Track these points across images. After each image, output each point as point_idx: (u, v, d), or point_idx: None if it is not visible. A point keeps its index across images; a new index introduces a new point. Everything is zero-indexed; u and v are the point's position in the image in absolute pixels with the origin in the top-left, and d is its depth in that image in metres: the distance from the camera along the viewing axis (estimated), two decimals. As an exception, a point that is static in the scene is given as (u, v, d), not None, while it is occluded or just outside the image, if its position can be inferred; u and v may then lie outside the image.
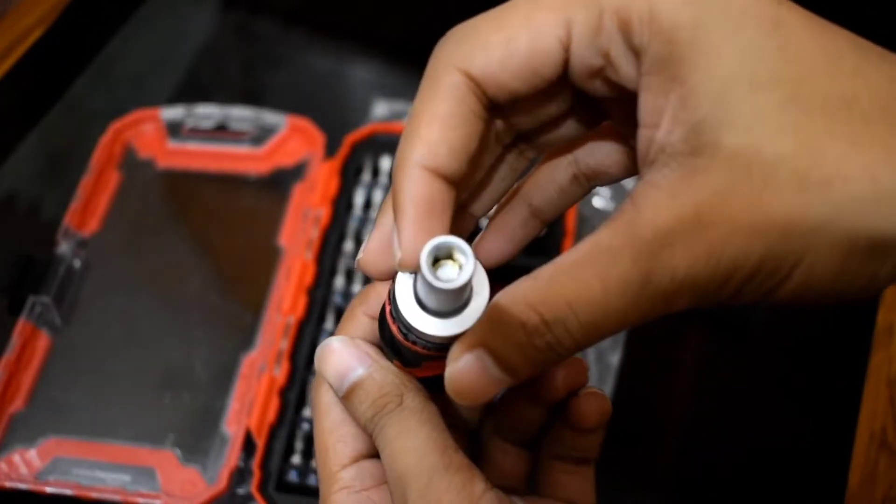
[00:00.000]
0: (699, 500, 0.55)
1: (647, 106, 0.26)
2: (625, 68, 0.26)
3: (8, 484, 0.50)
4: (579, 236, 0.58)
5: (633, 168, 0.31)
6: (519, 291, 0.26)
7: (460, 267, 0.27)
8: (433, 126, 0.27)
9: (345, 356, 0.31)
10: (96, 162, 0.62)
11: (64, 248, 0.59)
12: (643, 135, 0.26)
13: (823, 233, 0.23)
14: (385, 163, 0.61)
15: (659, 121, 0.25)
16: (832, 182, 0.23)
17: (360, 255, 0.30)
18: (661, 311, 0.25)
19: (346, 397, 0.31)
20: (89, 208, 0.61)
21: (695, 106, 0.24)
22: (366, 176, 0.61)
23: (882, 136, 0.23)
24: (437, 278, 0.26)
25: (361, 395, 0.30)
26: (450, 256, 0.27)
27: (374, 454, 0.32)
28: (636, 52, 0.26)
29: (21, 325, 0.55)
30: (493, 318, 0.27)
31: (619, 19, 0.26)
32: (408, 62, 0.74)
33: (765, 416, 0.56)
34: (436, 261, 0.27)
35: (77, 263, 0.59)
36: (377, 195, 0.60)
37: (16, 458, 0.52)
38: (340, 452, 0.32)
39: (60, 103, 0.70)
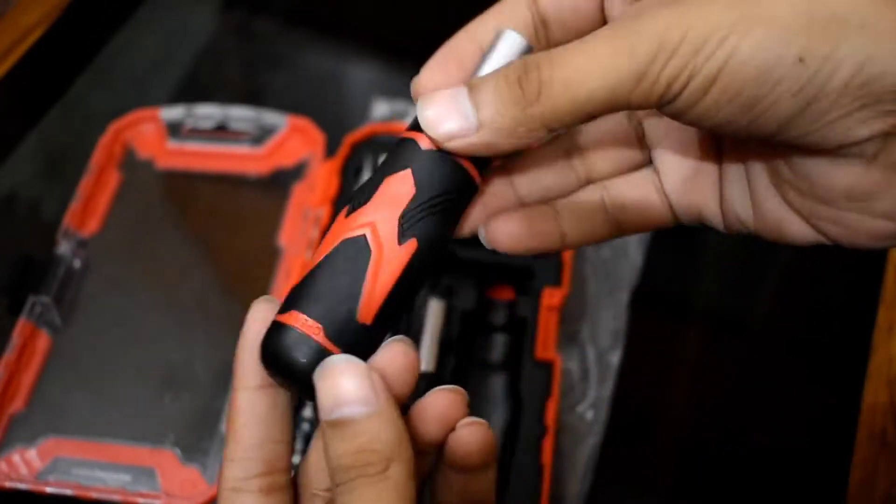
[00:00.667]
0: (699, 499, 0.55)
1: None
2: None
3: (8, 484, 0.50)
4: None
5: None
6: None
7: None
8: (490, 18, 0.31)
9: (352, 384, 0.27)
10: (96, 162, 0.62)
11: (64, 248, 0.59)
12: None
13: (757, 14, 0.26)
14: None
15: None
16: None
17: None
18: (619, 70, 0.27)
19: (330, 426, 0.27)
20: (89, 208, 0.61)
21: None
22: (366, 176, 0.61)
23: None
24: None
25: (348, 435, 0.27)
26: None
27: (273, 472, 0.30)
28: None
29: (21, 325, 0.55)
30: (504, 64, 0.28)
31: None
32: (408, 62, 0.74)
33: (765, 415, 0.56)
34: None
35: (77, 263, 0.59)
36: (377, 195, 0.60)
37: (16, 458, 0.52)
38: (244, 468, 0.30)
39: (60, 103, 0.70)
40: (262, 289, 0.57)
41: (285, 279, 0.57)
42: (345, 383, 0.27)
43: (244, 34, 0.78)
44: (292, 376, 0.28)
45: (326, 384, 0.27)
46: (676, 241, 0.63)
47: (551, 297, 0.54)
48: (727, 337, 0.62)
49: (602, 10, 0.31)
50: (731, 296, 0.63)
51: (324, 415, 0.27)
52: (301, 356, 0.28)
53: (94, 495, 0.50)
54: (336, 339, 0.28)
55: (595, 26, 0.31)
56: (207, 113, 0.64)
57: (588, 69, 0.27)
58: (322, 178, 0.60)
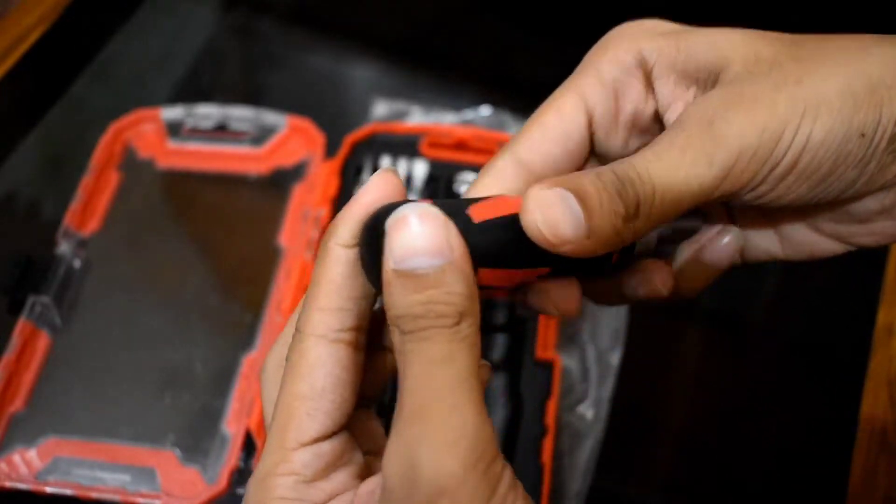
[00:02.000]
0: (699, 499, 0.55)
1: (664, 91, 0.33)
2: (631, 94, 0.34)
3: (8, 484, 0.50)
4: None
5: None
6: (617, 162, 0.29)
7: None
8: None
9: (428, 233, 0.26)
10: (96, 162, 0.62)
11: (64, 248, 0.59)
12: (672, 110, 0.33)
13: (829, 81, 0.29)
14: (385, 163, 0.61)
15: (681, 92, 0.33)
16: (817, 54, 0.30)
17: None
18: (702, 180, 0.29)
19: (399, 276, 0.26)
20: (89, 208, 0.61)
21: (699, 60, 0.32)
22: (366, 176, 0.61)
23: (839, 37, 0.31)
24: None
25: (420, 284, 0.26)
26: None
27: (337, 432, 0.29)
28: (632, 69, 0.33)
29: (21, 325, 0.55)
30: (594, 171, 0.29)
31: (608, 59, 0.34)
32: (408, 62, 0.74)
33: (764, 415, 0.56)
34: None
35: (77, 263, 0.59)
36: (377, 195, 0.60)
37: (16, 458, 0.52)
38: (305, 428, 0.29)
39: (60, 103, 0.70)
40: (262, 289, 0.57)
41: (285, 279, 0.57)
42: (420, 231, 0.26)
43: (244, 34, 0.78)
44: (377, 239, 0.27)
45: (399, 231, 0.26)
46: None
47: (551, 297, 0.54)
48: (727, 337, 0.62)
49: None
50: (731, 296, 0.63)
51: (393, 263, 0.26)
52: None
53: (94, 495, 0.50)
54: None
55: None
56: (207, 113, 0.64)
57: (676, 183, 0.29)
58: (322, 179, 0.60)
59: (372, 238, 0.28)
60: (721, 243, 0.36)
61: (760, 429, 0.56)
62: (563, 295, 0.33)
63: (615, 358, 0.57)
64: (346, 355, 0.29)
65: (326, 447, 0.29)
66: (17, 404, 0.53)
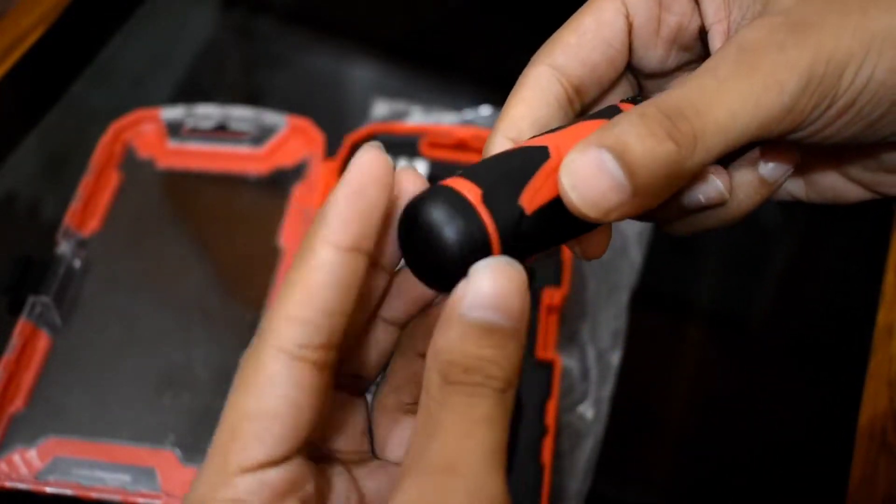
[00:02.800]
0: (699, 499, 0.55)
1: (711, 7, 0.30)
2: (676, 5, 0.31)
3: (8, 484, 0.50)
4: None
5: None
6: (664, 94, 0.27)
7: None
8: (519, 106, 0.30)
9: (513, 294, 0.25)
10: (96, 162, 0.62)
11: (64, 248, 0.59)
12: (716, 32, 0.30)
13: (886, 35, 0.27)
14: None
15: (730, 8, 0.30)
16: (886, 5, 0.27)
17: None
18: (773, 100, 0.27)
19: (470, 324, 0.25)
20: (89, 208, 0.61)
21: None
22: (366, 176, 0.61)
23: None
24: None
25: (486, 340, 0.25)
26: None
27: (290, 458, 0.26)
28: None
29: (21, 325, 0.55)
30: (609, 123, 0.26)
31: None
32: (408, 62, 0.74)
33: (765, 415, 0.56)
34: None
35: (77, 263, 0.59)
36: (377, 195, 0.60)
37: (16, 458, 0.52)
38: (251, 451, 0.25)
39: (60, 103, 0.70)
40: (262, 289, 0.57)
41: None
42: (507, 286, 0.25)
43: (244, 34, 0.78)
44: (441, 251, 0.25)
45: (487, 279, 0.25)
46: (676, 241, 0.63)
47: (551, 297, 0.54)
48: (727, 337, 0.62)
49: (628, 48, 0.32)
50: (731, 296, 0.63)
51: (466, 308, 0.25)
52: (457, 231, 0.25)
53: (94, 495, 0.50)
54: (492, 208, 0.26)
55: (622, 67, 0.32)
56: (207, 113, 0.64)
57: (740, 110, 0.26)
58: (322, 178, 0.60)
59: (418, 233, 0.26)
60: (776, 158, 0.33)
61: (760, 429, 0.56)
62: (595, 241, 0.32)
63: (615, 358, 0.57)
64: (308, 376, 0.25)
65: (274, 475, 0.25)
66: (17, 404, 0.53)
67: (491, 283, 0.25)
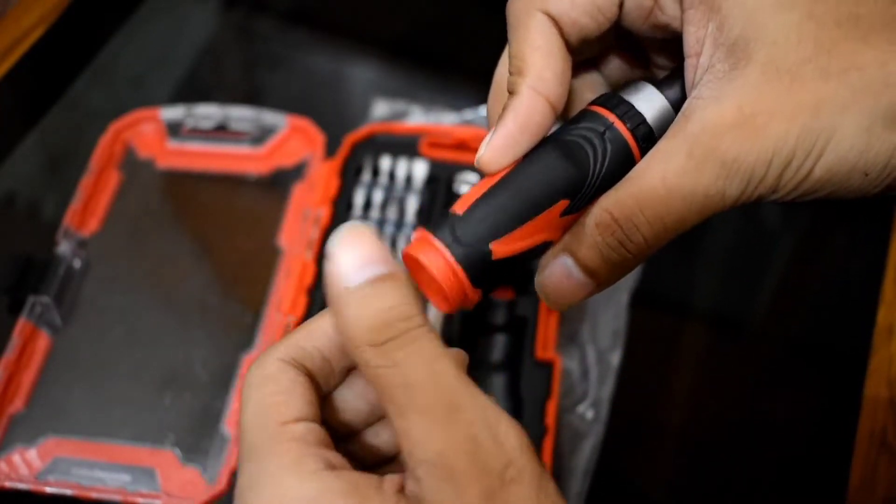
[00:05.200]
0: (699, 499, 0.55)
1: (690, 38, 0.31)
2: (669, 8, 0.31)
3: (8, 484, 0.50)
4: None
5: None
6: (596, 202, 0.30)
7: None
8: (535, 56, 0.31)
9: (373, 244, 0.27)
10: (96, 162, 0.62)
11: (64, 248, 0.59)
12: (689, 65, 0.31)
13: (847, 112, 0.28)
14: (385, 162, 0.61)
15: (701, 49, 0.30)
16: (849, 71, 0.28)
17: (481, 154, 0.31)
18: (716, 204, 0.29)
19: (357, 290, 0.27)
20: (89, 208, 0.61)
21: (729, 29, 0.29)
22: (366, 176, 0.61)
23: (887, 38, 0.29)
24: None
25: (379, 292, 0.26)
26: None
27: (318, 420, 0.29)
28: None
29: (21, 325, 0.55)
30: (574, 227, 0.30)
31: None
32: (408, 62, 0.74)
33: (764, 416, 0.56)
34: None
35: (77, 263, 0.59)
36: (377, 195, 0.60)
37: (16, 458, 0.52)
38: (288, 407, 0.28)
39: (60, 103, 0.70)
40: (262, 289, 0.57)
41: (285, 279, 0.57)
42: (366, 243, 0.27)
43: (244, 34, 0.78)
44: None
45: (347, 247, 0.27)
46: (676, 241, 0.63)
47: (551, 297, 0.54)
48: (727, 337, 0.62)
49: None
50: (731, 296, 0.63)
51: (344, 280, 0.27)
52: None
53: (94, 495, 0.50)
54: (465, 262, 0.29)
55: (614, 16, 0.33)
56: (207, 113, 0.64)
57: (687, 215, 0.29)
58: (322, 178, 0.60)
59: None
60: None
61: (760, 429, 0.56)
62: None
63: (615, 358, 0.57)
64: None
65: (316, 426, 0.29)
66: (17, 404, 0.53)
67: (349, 249, 0.27)
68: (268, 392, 0.29)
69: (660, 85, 0.33)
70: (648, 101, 0.32)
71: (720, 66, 0.30)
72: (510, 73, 0.32)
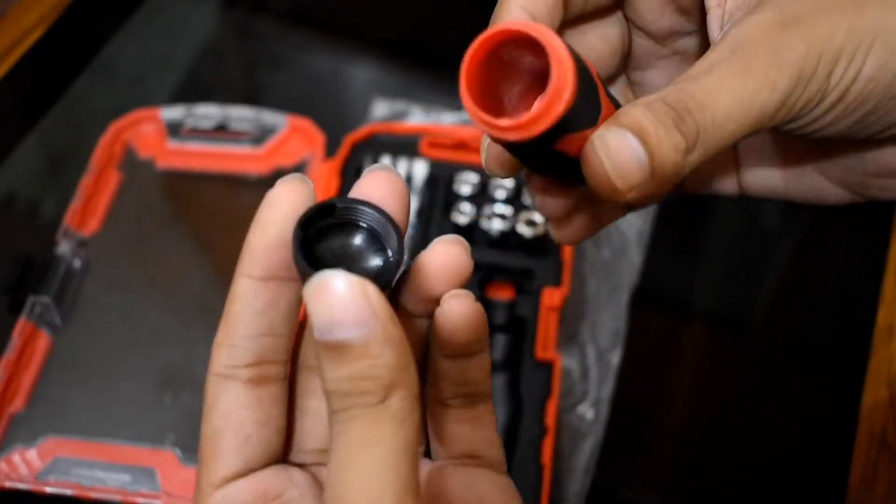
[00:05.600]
0: (699, 499, 0.55)
1: None
2: None
3: (8, 484, 0.50)
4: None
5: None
6: (644, 98, 0.28)
7: None
8: None
9: (347, 302, 0.23)
10: (96, 162, 0.62)
11: (64, 248, 0.59)
12: (713, 16, 0.30)
13: (890, 10, 0.28)
14: (385, 163, 0.61)
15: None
16: (883, 4, 0.28)
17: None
18: (764, 99, 0.27)
19: (325, 348, 0.24)
20: (89, 208, 0.61)
21: None
22: (366, 176, 0.61)
23: None
24: None
25: (344, 359, 0.24)
26: None
27: (253, 470, 0.28)
28: None
29: (21, 325, 0.55)
30: (629, 108, 0.27)
31: None
32: (408, 62, 0.74)
33: (765, 416, 0.56)
34: None
35: (77, 263, 0.59)
36: (377, 195, 0.60)
37: (16, 458, 0.52)
38: (212, 468, 0.27)
39: (60, 103, 0.70)
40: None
41: (285, 279, 0.57)
42: (339, 300, 0.23)
43: (244, 34, 0.78)
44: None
45: (318, 302, 0.24)
46: (676, 241, 0.63)
47: (551, 297, 0.54)
48: (727, 337, 0.62)
49: None
50: (731, 296, 0.63)
51: (318, 335, 0.24)
52: (303, 269, 0.25)
53: (94, 495, 0.50)
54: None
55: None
56: (207, 113, 0.64)
57: (736, 110, 0.27)
58: (322, 178, 0.60)
59: (301, 252, 0.26)
60: None
61: (760, 429, 0.56)
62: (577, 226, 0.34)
63: (615, 358, 0.57)
64: (243, 393, 0.28)
65: (242, 486, 0.27)
66: (17, 404, 0.53)
67: (319, 303, 0.24)
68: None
69: None
70: None
71: (747, 4, 0.29)
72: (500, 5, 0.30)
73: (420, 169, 0.60)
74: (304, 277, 0.25)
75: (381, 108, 0.68)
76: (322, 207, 0.27)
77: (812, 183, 0.34)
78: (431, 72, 0.73)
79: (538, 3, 0.30)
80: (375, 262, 0.27)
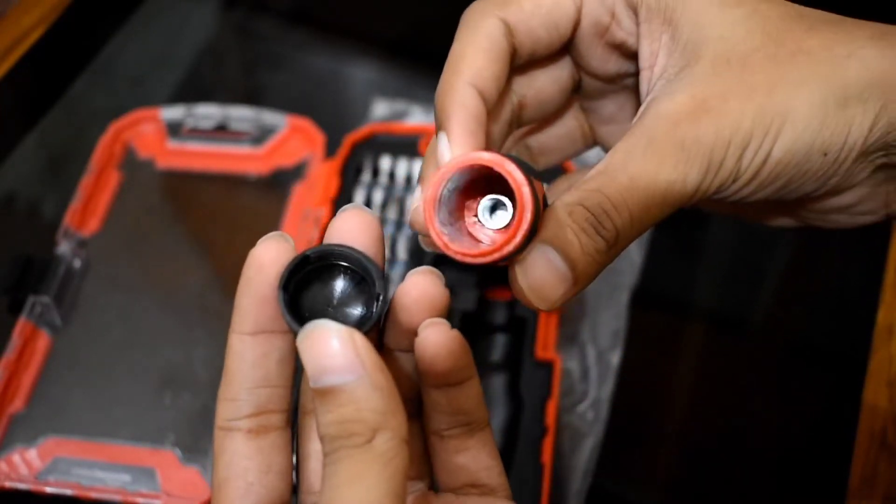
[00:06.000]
0: (699, 499, 0.55)
1: (644, 52, 0.32)
2: (625, 23, 0.32)
3: (8, 484, 0.50)
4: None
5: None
6: (566, 197, 0.30)
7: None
8: (479, 56, 0.31)
9: (335, 351, 0.25)
10: (96, 162, 0.62)
11: (64, 248, 0.59)
12: (644, 77, 0.32)
13: (799, 90, 0.29)
14: (385, 162, 0.61)
15: (655, 60, 0.31)
16: (797, 55, 0.29)
17: (413, 207, 0.32)
18: (678, 192, 0.29)
19: (317, 394, 0.26)
20: (89, 208, 0.61)
21: (680, 35, 0.30)
22: (366, 176, 0.61)
23: (831, 28, 0.30)
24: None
25: (333, 404, 0.25)
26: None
27: None
28: (634, 8, 0.32)
29: (21, 325, 0.55)
30: (550, 218, 0.29)
31: None
32: (408, 62, 0.74)
33: (764, 415, 0.56)
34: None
35: (77, 263, 0.59)
36: (377, 195, 0.60)
37: (16, 458, 0.52)
38: None
39: (60, 103, 0.70)
40: (262, 289, 0.57)
41: (285, 279, 0.57)
42: (327, 350, 0.25)
43: (244, 34, 0.78)
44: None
45: (309, 350, 0.26)
46: (676, 241, 0.63)
47: (551, 297, 0.54)
48: (727, 337, 0.62)
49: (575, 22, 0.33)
50: (731, 296, 0.63)
51: (311, 383, 0.26)
52: (291, 323, 0.27)
53: (94, 495, 0.50)
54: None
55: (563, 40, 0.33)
56: (207, 113, 0.64)
57: (651, 204, 0.29)
58: (322, 178, 0.60)
59: (287, 309, 0.28)
60: None
61: (760, 429, 0.56)
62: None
63: (615, 358, 0.57)
64: (243, 444, 0.29)
65: None
66: (17, 404, 0.53)
67: (310, 352, 0.26)
68: None
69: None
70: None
71: (672, 70, 0.31)
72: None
73: (419, 169, 0.60)
74: (294, 331, 0.27)
75: (381, 108, 0.68)
76: (299, 261, 0.28)
77: (755, 215, 0.36)
78: (431, 72, 0.73)
79: (485, 78, 0.31)
80: (359, 301, 0.29)
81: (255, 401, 0.29)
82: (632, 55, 0.33)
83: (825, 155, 0.29)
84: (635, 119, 0.31)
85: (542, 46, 0.33)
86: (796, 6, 0.31)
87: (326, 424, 0.25)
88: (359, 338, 0.26)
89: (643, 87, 0.32)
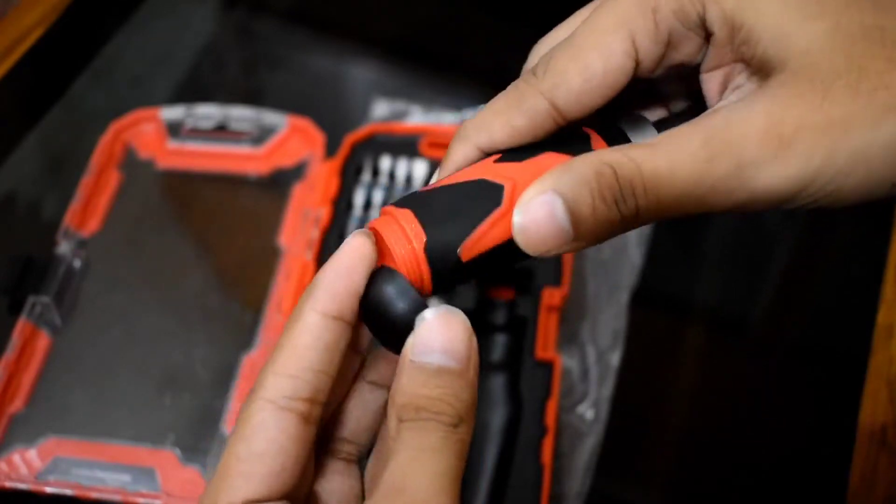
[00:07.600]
0: (699, 500, 0.55)
1: (711, 62, 0.30)
2: (685, 45, 0.30)
3: (8, 484, 0.50)
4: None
5: None
6: (595, 155, 0.28)
7: None
8: (505, 129, 0.32)
9: (455, 337, 0.28)
10: (96, 162, 0.62)
11: (64, 248, 0.59)
12: (712, 77, 0.30)
13: (876, 131, 0.27)
14: (385, 162, 0.61)
15: (723, 67, 0.30)
16: (877, 91, 0.27)
17: None
18: (718, 200, 0.28)
19: (417, 367, 0.28)
20: (89, 208, 0.61)
21: (756, 43, 0.29)
22: (366, 176, 0.61)
23: None
24: None
25: (432, 380, 0.27)
26: None
27: (270, 500, 0.28)
28: (694, 27, 0.30)
29: (21, 325, 0.55)
30: (568, 167, 0.28)
31: (672, 8, 0.30)
32: (408, 62, 0.74)
33: (765, 415, 0.56)
34: None
35: (77, 263, 0.59)
36: (377, 195, 0.60)
37: (16, 458, 0.52)
38: (237, 488, 0.28)
39: (60, 103, 0.70)
40: (262, 289, 0.57)
41: (285, 279, 0.57)
42: (457, 334, 0.28)
43: (244, 34, 0.78)
44: (391, 324, 0.29)
45: (430, 327, 0.28)
46: (676, 241, 0.63)
47: (551, 297, 0.54)
48: (727, 337, 0.62)
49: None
50: (731, 296, 0.63)
51: (413, 354, 0.27)
52: (403, 305, 0.29)
53: (94, 495, 0.50)
54: (431, 255, 0.29)
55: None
56: (207, 113, 0.64)
57: (686, 200, 0.28)
58: (322, 178, 0.60)
59: (377, 305, 0.29)
60: None
61: (760, 429, 0.56)
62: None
63: (615, 358, 0.57)
64: (293, 425, 0.28)
65: None
66: (17, 404, 0.53)
67: (431, 329, 0.28)
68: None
69: (660, 124, 0.32)
70: (643, 138, 0.32)
71: (748, 82, 0.29)
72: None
73: (420, 169, 0.60)
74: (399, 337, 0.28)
75: (381, 108, 0.68)
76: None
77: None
78: (431, 72, 0.73)
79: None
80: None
81: (316, 384, 0.29)
82: (689, 75, 0.32)
83: (893, 185, 0.28)
84: (706, 113, 0.29)
85: (597, 105, 0.31)
86: (876, 16, 0.29)
87: (417, 396, 0.27)
88: (474, 338, 0.28)
89: (711, 90, 0.31)
